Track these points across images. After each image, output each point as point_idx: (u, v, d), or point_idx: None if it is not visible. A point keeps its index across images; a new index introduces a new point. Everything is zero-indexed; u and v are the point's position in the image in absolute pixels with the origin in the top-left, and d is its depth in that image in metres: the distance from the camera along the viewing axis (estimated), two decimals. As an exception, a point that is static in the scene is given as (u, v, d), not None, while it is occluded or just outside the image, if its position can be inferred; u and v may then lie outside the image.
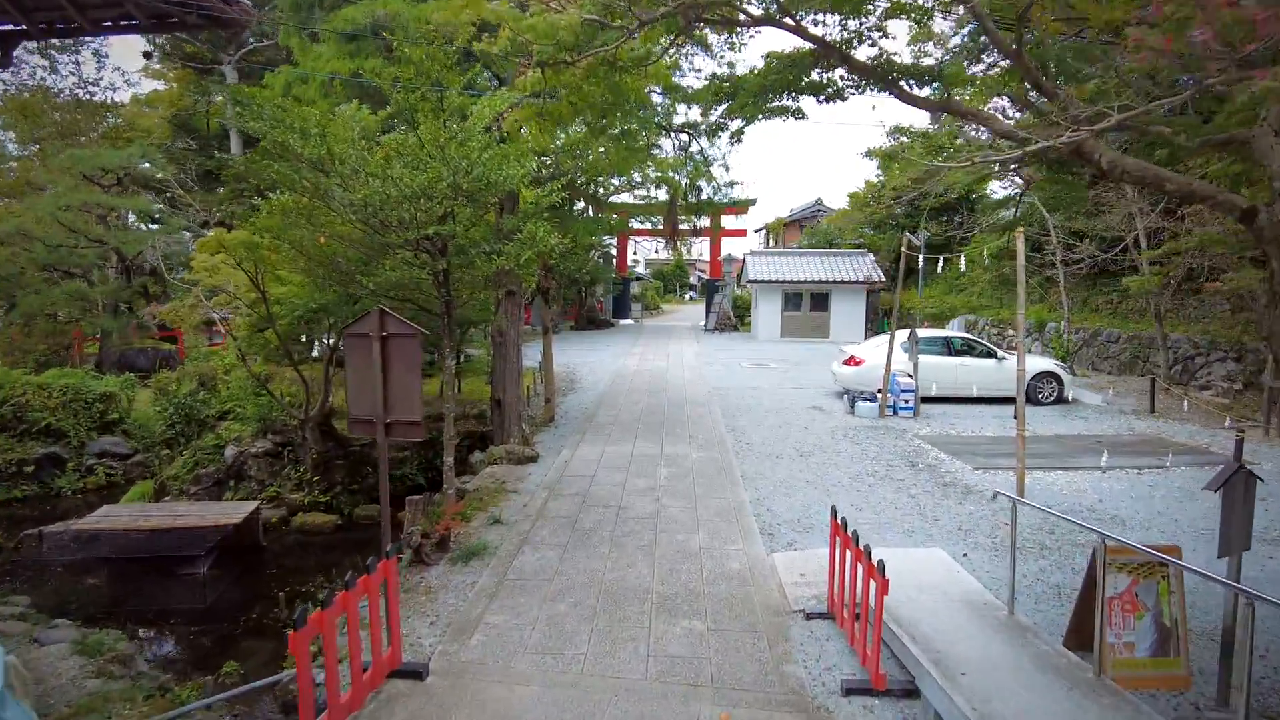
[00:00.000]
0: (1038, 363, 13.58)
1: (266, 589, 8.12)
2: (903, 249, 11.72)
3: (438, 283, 5.99)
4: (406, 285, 6.45)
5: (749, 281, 26.83)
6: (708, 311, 32.21)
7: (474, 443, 11.34)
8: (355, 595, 3.97)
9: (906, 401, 12.23)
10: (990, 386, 13.24)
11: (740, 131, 7.46)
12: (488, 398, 10.67)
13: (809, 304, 26.27)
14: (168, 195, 17.34)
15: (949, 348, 13.52)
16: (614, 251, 35.20)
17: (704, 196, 11.08)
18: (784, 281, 25.80)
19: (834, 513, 5.12)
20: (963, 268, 26.64)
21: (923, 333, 13.76)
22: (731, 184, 11.06)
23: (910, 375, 12.44)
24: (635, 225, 34.99)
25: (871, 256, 27.07)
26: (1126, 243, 14.52)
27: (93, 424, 11.98)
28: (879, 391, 12.75)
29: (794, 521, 7.15)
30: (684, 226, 33.19)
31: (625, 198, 32.04)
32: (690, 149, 10.24)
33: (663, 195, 31.00)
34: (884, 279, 26.26)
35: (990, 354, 13.47)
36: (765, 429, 11.27)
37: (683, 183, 10.85)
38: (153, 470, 11.75)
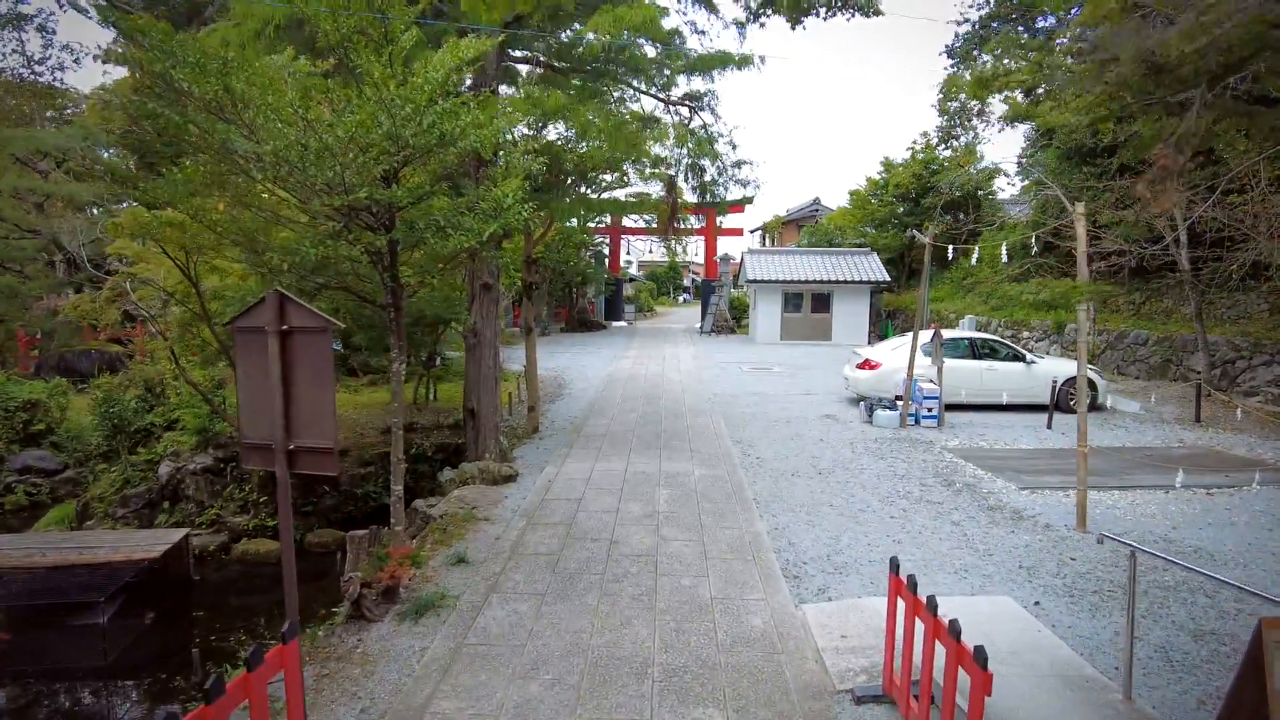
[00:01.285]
0: (1068, 366, 12.42)
1: (190, 637, 6.81)
2: (927, 239, 10.53)
3: (380, 266, 4.74)
4: (341, 270, 5.20)
5: (747, 281, 25.66)
6: (703, 313, 31.02)
7: (448, 457, 10.07)
8: (223, 709, 2.70)
9: (930, 410, 11.05)
10: (1020, 393, 12.08)
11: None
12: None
13: (810, 305, 25.13)
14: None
15: (973, 350, 12.35)
16: (606, 250, 33.97)
17: (707, 178, 9.85)
18: (784, 281, 24.65)
19: (894, 567, 3.89)
20: (971, 261, 25.61)
21: (927, 335, 12.61)
22: (739, 164, 9.86)
23: (933, 381, 11.25)
24: (629, 224, 33.83)
25: (876, 255, 25.97)
26: (1167, 238, 13.35)
27: (14, 435, 10.63)
28: (898, 398, 11.56)
29: (823, 559, 5.91)
30: (679, 226, 32.02)
31: (619, 195, 30.80)
32: (692, 124, 9.05)
33: (657, 191, 29.86)
34: (889, 279, 25.16)
35: (1018, 357, 12.32)
36: (775, 441, 10.05)
37: (683, 161, 9.61)
38: (86, 488, 10.41)
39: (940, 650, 3.31)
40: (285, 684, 3.11)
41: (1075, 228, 7.06)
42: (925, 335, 11.72)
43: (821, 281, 24.52)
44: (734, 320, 30.60)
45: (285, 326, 3.35)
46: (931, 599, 3.41)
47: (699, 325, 31.86)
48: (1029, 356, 12.25)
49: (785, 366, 18.45)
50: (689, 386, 14.90)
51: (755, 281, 24.85)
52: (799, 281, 24.63)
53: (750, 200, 33.94)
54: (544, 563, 5.73)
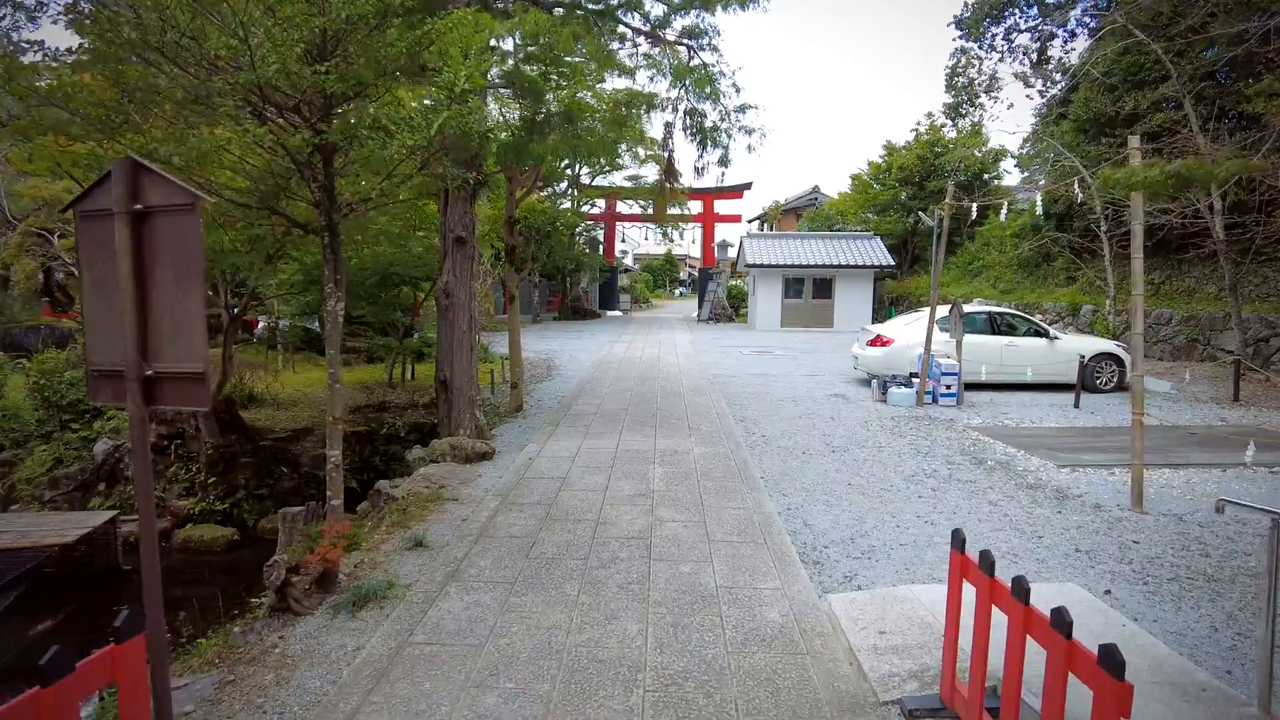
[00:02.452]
0: (1094, 343, 11.57)
1: (103, 636, 5.87)
2: (948, 207, 9.63)
3: (310, 178, 3.82)
4: (262, 184, 4.26)
5: (747, 265, 24.78)
6: (701, 301, 30.16)
7: (422, 437, 9.15)
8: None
9: (949, 387, 10.17)
10: (1044, 370, 11.21)
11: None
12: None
13: (812, 290, 24.26)
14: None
15: (992, 325, 11.48)
16: (600, 237, 33.07)
17: (708, 123, 8.93)
18: (785, 266, 23.76)
19: (958, 542, 3.00)
20: (976, 245, 24.74)
21: (943, 308, 11.74)
22: (743, 108, 8.93)
23: (951, 357, 10.38)
24: (624, 210, 32.93)
25: (879, 240, 25.11)
26: (1200, 204, 12.46)
27: (-55, 415, 9.69)
28: (913, 376, 10.69)
29: (846, 542, 5.02)
30: (674, 210, 31.15)
31: (614, 177, 29.90)
32: (692, 63, 8.13)
33: (652, 175, 28.93)
34: (893, 263, 24.31)
35: (1040, 332, 11.45)
36: (782, 420, 9.15)
37: (681, 105, 8.69)
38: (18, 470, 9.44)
39: (1036, 650, 2.41)
40: (120, 698, 2.20)
41: (1130, 160, 6.16)
42: (942, 309, 10.85)
43: (824, 266, 23.65)
44: (732, 309, 29.74)
45: (139, 206, 2.43)
46: (1020, 581, 2.51)
47: (696, 314, 30.99)
48: (1052, 332, 11.39)
49: (787, 350, 17.56)
50: (686, 368, 14.00)
51: (755, 266, 23.97)
52: (800, 266, 23.75)
53: (749, 186, 33.11)
54: (517, 547, 4.82)
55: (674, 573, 4.38)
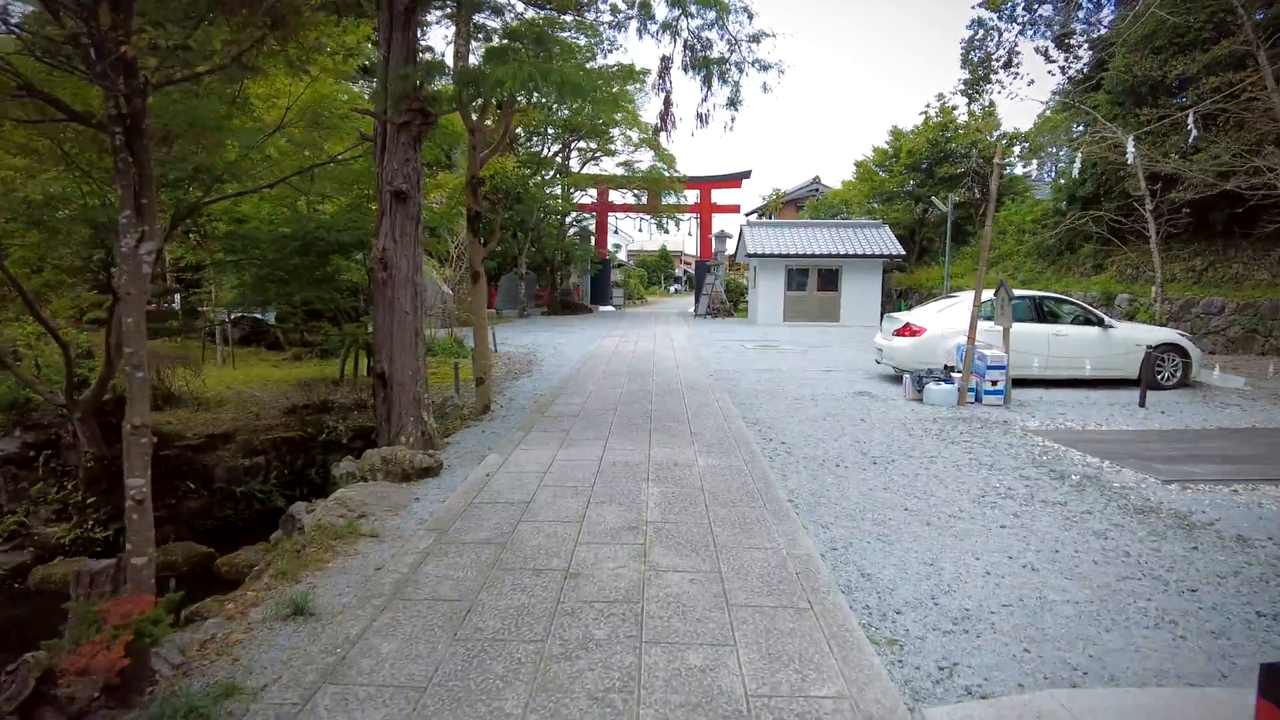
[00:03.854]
0: (1154, 332, 10.08)
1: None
2: (993, 167, 8.09)
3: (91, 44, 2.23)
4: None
5: (747, 256, 23.25)
6: (697, 296, 28.61)
7: (369, 443, 7.55)
8: None
9: (995, 383, 8.65)
10: (1100, 363, 9.71)
11: None
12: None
13: (816, 282, 22.73)
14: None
15: (1038, 312, 9.96)
16: (592, 227, 31.50)
17: (714, 53, 7.37)
18: (788, 256, 22.23)
19: (1273, 690, 1.43)
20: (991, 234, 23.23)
21: (983, 294, 10.23)
22: (756, 37, 7.36)
23: (995, 349, 8.86)
24: (615, 207, 31.32)
25: (888, 228, 23.61)
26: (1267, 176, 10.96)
27: None
28: (951, 370, 9.17)
29: (926, 603, 3.46)
30: (670, 200, 29.58)
31: (606, 164, 28.33)
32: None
33: (646, 162, 27.37)
34: (903, 253, 22.83)
35: (1092, 320, 9.94)
36: (803, 422, 7.60)
37: (682, 34, 7.09)
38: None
39: None
40: None
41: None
42: (987, 292, 9.32)
43: (830, 256, 22.13)
44: (731, 303, 28.21)
45: None
46: None
47: (693, 309, 29.45)
48: (1107, 320, 9.87)
49: (794, 345, 16.02)
50: (685, 363, 12.44)
51: (756, 256, 22.43)
52: (805, 256, 22.22)
53: (747, 174, 31.60)
54: (442, 617, 3.24)
55: (677, 667, 2.81)
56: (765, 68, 7.30)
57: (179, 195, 6.51)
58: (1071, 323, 10.02)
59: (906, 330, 9.97)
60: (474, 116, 7.50)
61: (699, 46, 7.14)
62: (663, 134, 8.00)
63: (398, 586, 3.56)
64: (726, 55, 7.17)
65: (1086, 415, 8.20)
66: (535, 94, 5.91)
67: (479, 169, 7.45)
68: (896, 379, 10.43)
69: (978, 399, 8.71)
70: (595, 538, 4.16)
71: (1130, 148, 12.53)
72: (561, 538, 4.16)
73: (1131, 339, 9.76)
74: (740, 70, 7.21)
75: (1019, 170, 28.23)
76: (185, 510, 6.71)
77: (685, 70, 7.32)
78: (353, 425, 7.99)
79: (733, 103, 7.66)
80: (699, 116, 8.04)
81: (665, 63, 7.54)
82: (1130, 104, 14.80)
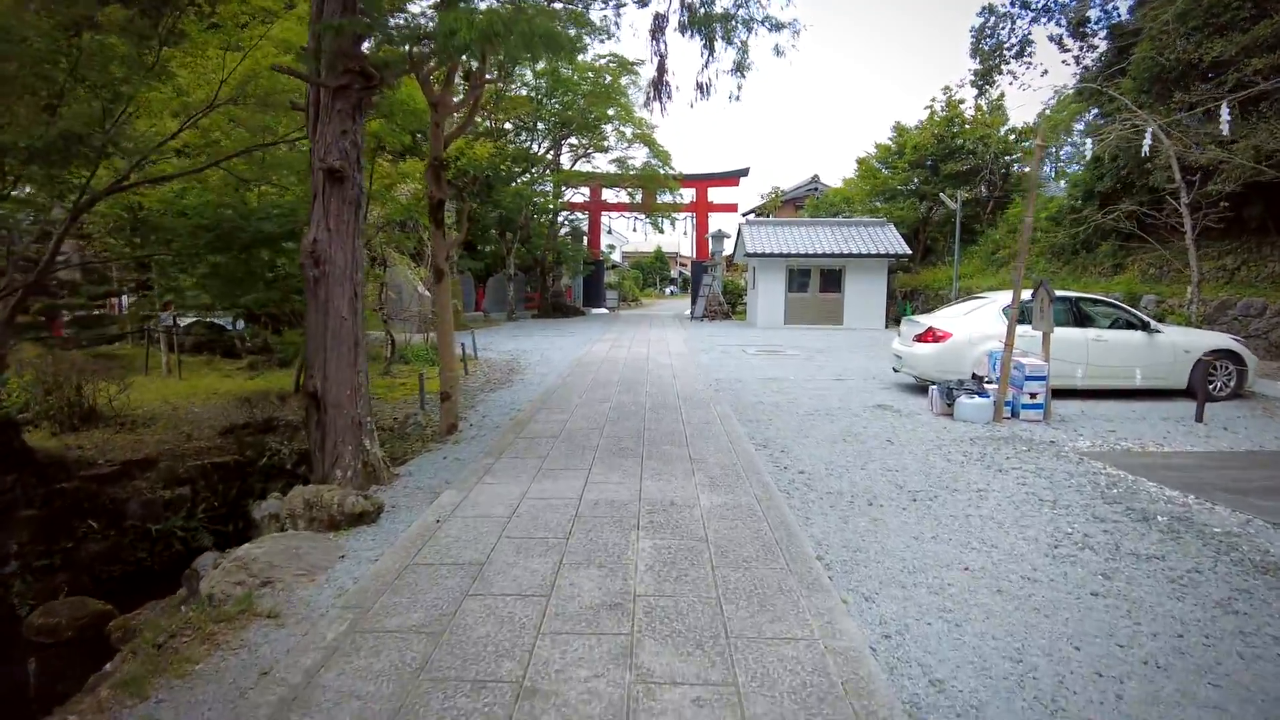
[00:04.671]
0: (1205, 337, 9.07)
1: None
2: (1037, 146, 7.07)
3: None
4: None
5: (747, 255, 22.23)
6: (694, 298, 27.58)
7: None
8: None
9: (1034, 396, 7.62)
10: (1149, 372, 8.70)
11: None
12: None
13: (819, 283, 21.73)
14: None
15: (1075, 314, 8.94)
16: (585, 227, 30.46)
17: (718, 9, 6.32)
18: (789, 255, 21.21)
19: None
20: (1000, 233, 22.22)
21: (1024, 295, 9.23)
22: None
23: (1033, 356, 7.84)
24: (608, 206, 30.26)
25: (893, 227, 22.63)
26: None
27: None
28: (982, 380, 8.15)
29: (1041, 744, 2.40)
30: (665, 198, 28.55)
31: (599, 161, 27.30)
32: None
33: (640, 158, 26.33)
34: (909, 252, 21.83)
35: (1135, 323, 8.93)
36: (819, 443, 6.55)
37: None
38: None
39: None
40: None
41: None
42: (1003, 296, 8.30)
43: (833, 255, 21.11)
44: (729, 305, 27.20)
45: None
46: None
47: (689, 311, 28.43)
48: (1152, 324, 8.86)
49: (799, 350, 14.99)
50: (682, 371, 11.38)
51: (756, 255, 21.41)
52: (806, 255, 21.20)
53: (745, 172, 30.57)
54: (325, 777, 2.17)
55: None
56: (777, 26, 6.24)
57: (65, 175, 5.45)
58: (1111, 326, 9.01)
59: (930, 336, 8.94)
60: (436, 89, 6.44)
61: (699, 2, 6.09)
62: (655, 105, 6.93)
63: (278, 710, 2.48)
64: (732, 11, 6.14)
65: (1139, 432, 7.18)
66: (502, 53, 4.86)
67: (442, 149, 6.38)
68: (919, 389, 9.40)
69: (1014, 414, 7.69)
70: (565, 623, 3.10)
71: (1154, 136, 11.54)
72: (519, 623, 3.09)
73: (1180, 344, 8.77)
74: (748, 29, 6.16)
75: (1026, 168, 27.32)
76: (84, 555, 5.60)
77: (683, 31, 6.26)
78: (299, 447, 6.91)
79: (739, 68, 6.60)
80: (699, 86, 6.95)
81: (659, 21, 6.45)
82: (1157, 91, 13.83)
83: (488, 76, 6.65)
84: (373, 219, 9.63)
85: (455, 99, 6.72)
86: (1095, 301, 9.30)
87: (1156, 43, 13.06)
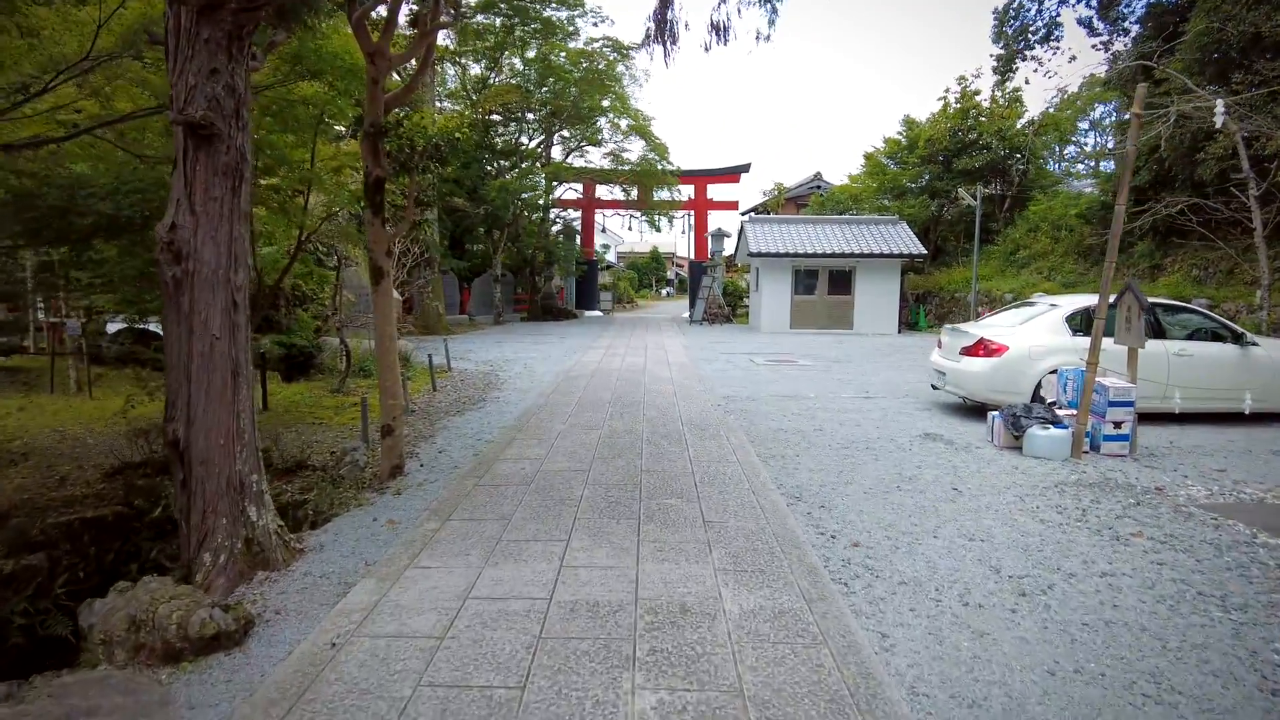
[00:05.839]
0: (1305, 351, 7.68)
1: None
2: (1131, 137, 5.66)
3: None
4: None
5: (750, 255, 20.81)
6: (693, 300, 26.14)
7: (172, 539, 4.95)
8: None
9: (1119, 425, 6.20)
10: (1263, 394, 7.33)
11: None
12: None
13: (827, 285, 20.32)
14: None
15: (1154, 324, 7.54)
16: (577, 225, 29.02)
17: None
18: (796, 255, 19.80)
19: None
20: (1020, 233, 20.82)
21: (1079, 300, 7.83)
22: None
23: (1116, 375, 6.43)
24: (603, 203, 28.82)
25: (906, 225, 21.25)
26: None
27: None
28: (1047, 404, 6.74)
29: None
30: (663, 195, 27.12)
31: (593, 155, 25.89)
32: None
33: (636, 152, 24.88)
34: (924, 252, 20.45)
35: (1225, 335, 7.55)
36: (869, 495, 5.10)
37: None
38: None
39: None
40: None
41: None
42: (1076, 299, 6.90)
43: (842, 255, 19.70)
44: (730, 308, 25.79)
45: None
46: None
47: (688, 314, 27.01)
48: (1247, 336, 7.48)
49: (812, 359, 13.55)
50: (684, 387, 9.94)
51: (759, 255, 19.99)
52: (814, 255, 19.79)
53: (746, 168, 29.13)
54: None
55: None
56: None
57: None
58: (1190, 337, 7.63)
59: (980, 349, 7.52)
60: (375, 36, 4.98)
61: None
62: (657, 49, 5.41)
63: None
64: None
65: (1256, 473, 5.77)
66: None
67: (382, 114, 4.92)
68: (966, 411, 8.00)
69: (1093, 447, 6.28)
70: None
71: (1221, 112, 10.14)
72: None
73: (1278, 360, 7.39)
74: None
75: (1048, 164, 26.00)
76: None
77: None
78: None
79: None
80: (714, 27, 5.46)
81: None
82: (1211, 72, 12.46)
83: (443, 17, 5.19)
84: (315, 210, 8.14)
85: (397, 51, 5.25)
86: (1172, 308, 7.91)
87: (1218, 14, 11.68)
